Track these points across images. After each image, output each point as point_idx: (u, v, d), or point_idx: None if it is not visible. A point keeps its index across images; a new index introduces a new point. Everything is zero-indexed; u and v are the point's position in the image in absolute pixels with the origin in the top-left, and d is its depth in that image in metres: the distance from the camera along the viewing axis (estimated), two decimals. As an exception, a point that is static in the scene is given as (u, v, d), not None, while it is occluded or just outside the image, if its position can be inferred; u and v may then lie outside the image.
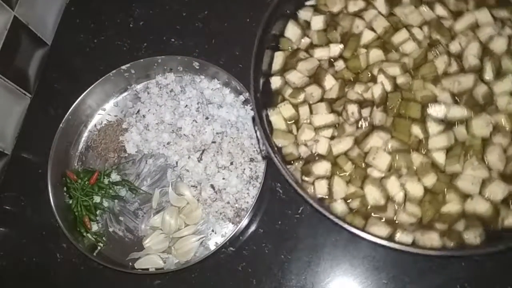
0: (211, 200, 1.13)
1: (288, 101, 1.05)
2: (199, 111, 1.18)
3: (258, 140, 0.98)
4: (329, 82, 1.04)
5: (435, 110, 0.97)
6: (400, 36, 1.04)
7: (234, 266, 1.11)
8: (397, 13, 1.07)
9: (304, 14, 1.11)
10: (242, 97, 1.21)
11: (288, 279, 1.08)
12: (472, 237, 0.90)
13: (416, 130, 0.96)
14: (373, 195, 0.95)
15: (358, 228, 0.88)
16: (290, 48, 1.10)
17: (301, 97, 1.05)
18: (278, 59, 1.09)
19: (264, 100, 1.03)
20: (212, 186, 1.13)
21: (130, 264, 1.11)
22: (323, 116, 1.02)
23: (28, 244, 1.21)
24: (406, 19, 1.05)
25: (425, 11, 1.05)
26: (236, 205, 1.12)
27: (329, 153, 1.00)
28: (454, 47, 1.02)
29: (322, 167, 0.98)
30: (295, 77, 1.05)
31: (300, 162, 1.01)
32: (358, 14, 1.08)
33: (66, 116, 1.20)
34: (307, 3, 1.12)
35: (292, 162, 1.02)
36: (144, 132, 1.20)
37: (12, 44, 1.27)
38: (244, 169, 1.14)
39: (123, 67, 1.23)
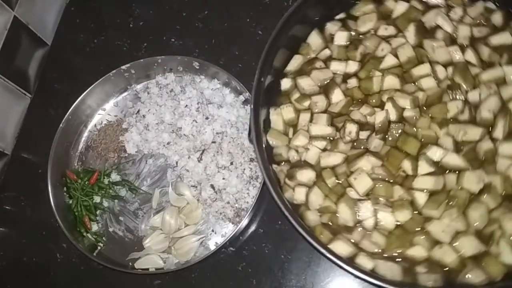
0: (211, 200, 1.13)
1: (292, 105, 1.05)
2: (199, 111, 1.18)
3: (249, 124, 0.98)
4: (337, 96, 1.03)
5: (433, 152, 0.94)
6: (421, 69, 1.01)
7: (234, 266, 1.11)
8: (425, 46, 1.03)
9: (331, 27, 1.10)
10: (242, 97, 1.21)
11: (288, 279, 1.08)
12: (427, 280, 0.89)
13: (407, 165, 0.94)
14: (344, 214, 0.94)
15: (318, 243, 0.87)
16: (308, 55, 1.09)
17: (306, 104, 1.04)
18: (295, 61, 1.09)
19: (268, 97, 1.04)
20: (212, 186, 1.13)
21: (130, 264, 1.11)
22: (321, 127, 1.01)
23: (28, 244, 1.21)
24: (432, 54, 1.02)
25: (454, 52, 1.02)
26: (236, 205, 1.12)
27: (316, 164, 1.00)
28: (473, 96, 0.98)
29: (306, 175, 0.98)
30: (306, 83, 1.05)
31: (287, 165, 1.01)
32: (385, 39, 1.06)
33: (66, 116, 1.20)
34: (337, 17, 1.11)
35: (279, 163, 1.02)
36: (144, 132, 1.20)
37: (12, 44, 1.27)
38: (244, 169, 1.14)
39: (123, 67, 1.23)
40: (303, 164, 1.00)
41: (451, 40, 1.04)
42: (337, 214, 0.95)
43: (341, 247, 0.92)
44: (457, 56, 1.02)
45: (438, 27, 1.05)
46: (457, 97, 0.99)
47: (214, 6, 1.37)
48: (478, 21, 1.05)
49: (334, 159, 0.98)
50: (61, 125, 1.19)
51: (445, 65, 1.02)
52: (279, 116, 1.05)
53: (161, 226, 1.12)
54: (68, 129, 1.22)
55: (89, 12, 1.44)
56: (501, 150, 0.93)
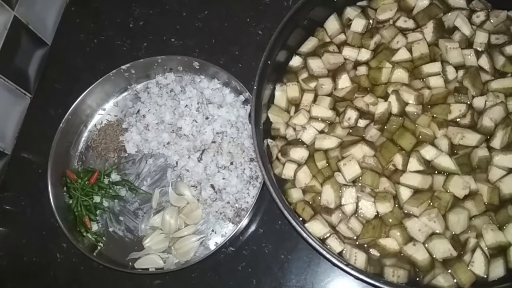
0: (211, 200, 1.12)
1: (298, 84, 1.07)
2: (199, 111, 1.18)
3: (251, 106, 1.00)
4: (344, 82, 1.05)
5: (426, 151, 0.94)
6: (432, 67, 1.01)
7: (234, 266, 1.11)
8: (440, 45, 1.04)
9: (350, 12, 1.11)
10: (242, 97, 1.21)
11: (288, 279, 1.08)
12: (391, 274, 0.90)
13: (398, 159, 0.95)
14: (327, 195, 0.96)
15: (296, 221, 0.89)
16: (323, 40, 1.11)
17: (312, 85, 1.06)
18: (310, 43, 1.11)
19: (276, 73, 1.07)
20: (212, 186, 1.13)
21: (130, 264, 1.11)
22: (322, 109, 1.03)
23: (28, 244, 1.21)
24: (446, 54, 1.02)
25: (468, 56, 1.02)
26: (236, 205, 1.12)
27: (311, 144, 1.02)
28: (478, 102, 0.98)
29: (299, 153, 1.00)
30: (316, 65, 1.07)
31: (282, 141, 1.04)
32: (403, 32, 1.06)
33: (66, 116, 1.20)
34: (358, 3, 1.13)
35: (275, 138, 1.05)
36: (144, 132, 1.20)
37: (12, 44, 1.27)
38: (244, 169, 1.14)
39: (123, 67, 1.23)
40: (298, 142, 1.03)
41: (468, 43, 1.04)
42: (321, 195, 0.97)
43: (317, 227, 0.94)
44: (471, 60, 1.02)
45: (456, 28, 1.05)
46: (462, 100, 0.99)
47: (214, 6, 1.37)
48: (498, 29, 1.05)
49: (329, 142, 1.00)
50: (61, 125, 1.19)
51: (456, 67, 1.02)
52: (284, 93, 1.07)
53: (161, 226, 1.12)
54: (68, 129, 1.22)
55: (89, 12, 1.44)
56: (496, 160, 0.93)
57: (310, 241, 0.89)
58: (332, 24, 1.11)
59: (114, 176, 1.19)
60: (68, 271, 1.17)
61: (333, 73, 1.07)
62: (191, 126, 1.17)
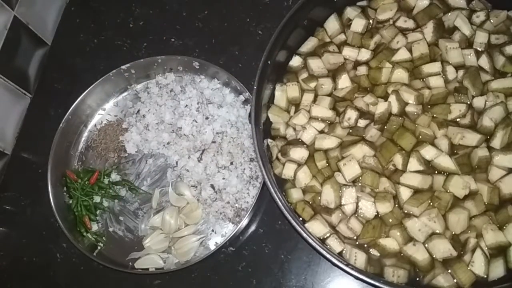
0: (211, 200, 1.13)
1: (298, 84, 1.07)
2: (199, 111, 1.18)
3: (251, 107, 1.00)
4: (344, 82, 1.05)
5: (426, 151, 0.95)
6: (432, 67, 1.01)
7: (234, 266, 1.11)
8: (440, 46, 1.04)
9: (350, 12, 1.11)
10: (242, 97, 1.21)
11: (288, 279, 1.08)
12: (391, 274, 0.90)
13: (398, 159, 0.95)
14: (327, 195, 0.96)
15: (296, 221, 0.89)
16: (323, 39, 1.11)
17: (312, 85, 1.06)
18: (310, 43, 1.11)
19: (276, 73, 1.07)
20: (212, 186, 1.13)
21: (130, 264, 1.11)
22: (322, 109, 1.03)
23: (28, 244, 1.21)
24: (445, 54, 1.02)
25: (468, 56, 1.02)
26: (236, 205, 1.12)
27: (311, 144, 1.02)
28: (478, 102, 0.98)
29: (299, 153, 1.00)
30: (316, 65, 1.07)
31: (282, 141, 1.04)
32: (403, 32, 1.06)
33: (66, 116, 1.20)
34: (359, 3, 1.13)
35: (275, 138, 1.05)
36: (144, 132, 1.20)
37: (12, 44, 1.27)
38: (244, 169, 1.14)
39: (123, 67, 1.23)
40: (298, 142, 1.03)
41: (468, 43, 1.04)
42: (321, 195, 0.97)
43: (317, 227, 0.94)
44: (471, 60, 1.02)
45: (456, 28, 1.05)
46: (462, 100, 0.99)
47: (214, 6, 1.37)
48: (498, 29, 1.05)
49: (329, 142, 1.00)
50: (61, 125, 1.19)
51: (456, 67, 1.02)
52: (284, 92, 1.07)
53: (161, 226, 1.12)
54: (68, 129, 1.22)
55: (89, 12, 1.44)
56: (496, 160, 0.94)
57: (310, 241, 0.89)
58: (332, 24, 1.11)
59: (114, 176, 1.19)
60: (68, 271, 1.17)
61: (333, 73, 1.07)
62: (191, 126, 1.17)
